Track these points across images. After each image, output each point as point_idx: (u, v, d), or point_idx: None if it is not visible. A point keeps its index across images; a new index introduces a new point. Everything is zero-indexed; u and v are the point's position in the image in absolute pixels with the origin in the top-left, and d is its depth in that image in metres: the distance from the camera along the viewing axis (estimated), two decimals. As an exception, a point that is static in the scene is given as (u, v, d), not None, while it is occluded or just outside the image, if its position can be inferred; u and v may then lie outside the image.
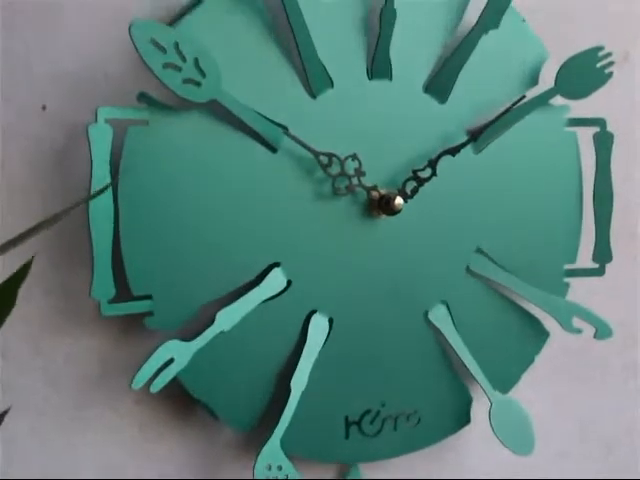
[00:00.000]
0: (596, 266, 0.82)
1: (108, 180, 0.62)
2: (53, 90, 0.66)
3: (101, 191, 0.60)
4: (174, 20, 0.67)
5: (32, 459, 0.68)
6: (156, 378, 0.65)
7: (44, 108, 0.66)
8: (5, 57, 0.65)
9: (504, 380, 0.81)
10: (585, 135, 0.81)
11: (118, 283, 0.64)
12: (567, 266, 0.81)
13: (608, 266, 0.83)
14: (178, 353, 0.65)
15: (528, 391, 0.84)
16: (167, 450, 0.74)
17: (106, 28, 0.67)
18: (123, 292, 0.64)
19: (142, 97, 0.64)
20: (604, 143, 0.81)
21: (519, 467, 0.85)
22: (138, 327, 0.66)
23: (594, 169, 0.82)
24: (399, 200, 0.70)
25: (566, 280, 0.81)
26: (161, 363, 0.65)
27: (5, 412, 0.49)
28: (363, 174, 0.70)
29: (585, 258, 0.82)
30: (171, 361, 0.65)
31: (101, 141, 0.62)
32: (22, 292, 0.46)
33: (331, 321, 0.73)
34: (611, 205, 0.82)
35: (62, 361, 0.68)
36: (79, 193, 0.67)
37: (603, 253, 0.82)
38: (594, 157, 0.82)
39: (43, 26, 0.66)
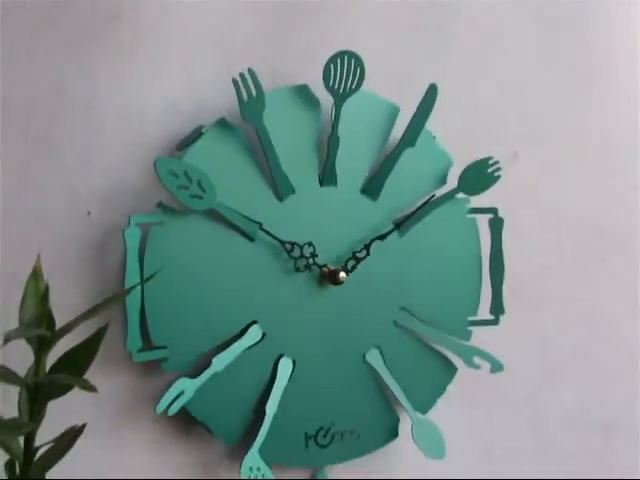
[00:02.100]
0: (492, 317, 1.00)
1: (138, 269, 0.83)
2: (95, 200, 0.88)
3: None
4: (181, 144, 0.88)
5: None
6: (172, 405, 0.85)
7: (89, 214, 0.88)
8: (54, 176, 0.87)
9: (423, 404, 0.97)
10: (483, 220, 0.99)
11: (142, 337, 0.84)
12: (470, 318, 0.98)
13: (502, 317, 1.00)
14: (186, 388, 0.86)
15: (442, 411, 0.99)
16: (175, 457, 0.92)
17: (132, 153, 0.89)
18: (146, 343, 0.84)
19: (159, 205, 0.85)
20: (496, 226, 1.00)
21: (432, 468, 1.00)
22: (157, 368, 0.86)
23: (490, 246, 1.00)
24: (342, 274, 0.88)
25: (470, 328, 0.98)
26: (175, 395, 0.85)
27: (83, 426, 0.66)
28: (316, 256, 0.89)
29: (484, 311, 0.99)
30: (182, 393, 0.86)
31: (132, 240, 0.83)
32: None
33: (294, 362, 0.91)
34: (502, 272, 1.00)
35: (103, 392, 0.83)
36: (117, 273, 0.88)
37: (497, 308, 1.00)
38: (490, 236, 1.00)
39: (84, 150, 0.88)
